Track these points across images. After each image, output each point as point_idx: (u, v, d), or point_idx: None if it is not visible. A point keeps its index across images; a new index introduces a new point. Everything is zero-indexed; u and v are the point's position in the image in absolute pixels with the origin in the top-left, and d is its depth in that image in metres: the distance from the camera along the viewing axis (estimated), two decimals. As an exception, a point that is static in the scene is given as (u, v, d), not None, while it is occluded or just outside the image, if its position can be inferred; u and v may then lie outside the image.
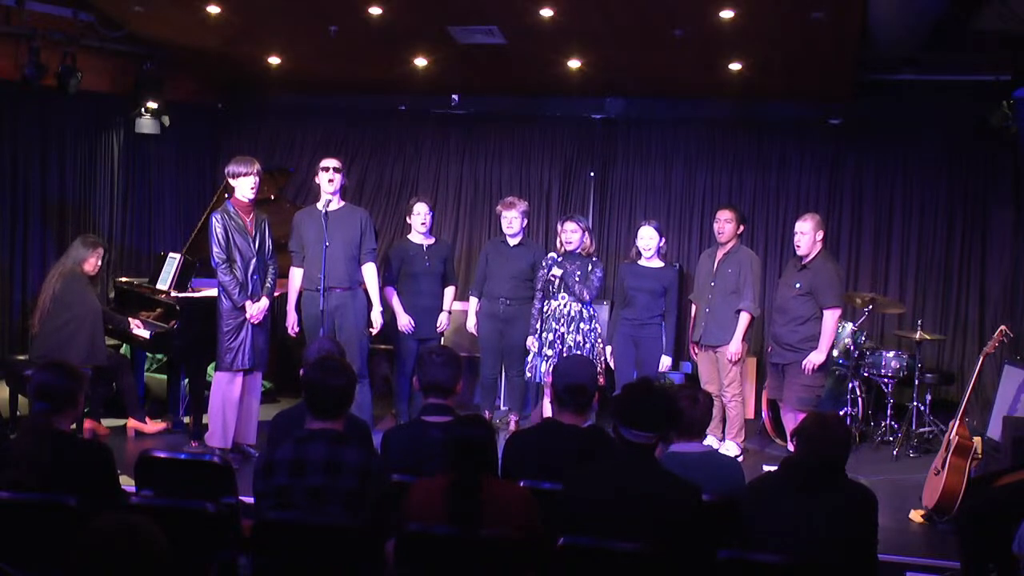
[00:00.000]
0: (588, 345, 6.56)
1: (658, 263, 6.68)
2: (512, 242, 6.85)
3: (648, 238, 6.63)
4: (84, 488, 3.35)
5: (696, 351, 6.81)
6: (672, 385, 7.34)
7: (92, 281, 6.47)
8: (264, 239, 6.05)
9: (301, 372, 4.28)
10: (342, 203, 6.44)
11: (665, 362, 6.65)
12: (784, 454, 6.30)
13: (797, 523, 3.24)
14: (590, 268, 6.58)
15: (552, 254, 6.68)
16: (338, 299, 6.30)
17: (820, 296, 6.24)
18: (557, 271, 6.51)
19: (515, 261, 6.81)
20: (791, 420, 6.34)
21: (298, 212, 6.68)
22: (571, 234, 6.57)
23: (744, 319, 6.50)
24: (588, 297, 6.56)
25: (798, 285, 6.30)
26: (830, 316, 6.23)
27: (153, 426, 6.71)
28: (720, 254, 6.68)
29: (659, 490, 3.25)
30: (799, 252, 6.32)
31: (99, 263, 6.49)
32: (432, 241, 6.92)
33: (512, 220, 6.81)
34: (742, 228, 6.72)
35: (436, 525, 3.15)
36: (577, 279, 6.51)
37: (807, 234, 6.27)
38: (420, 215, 6.80)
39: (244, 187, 5.95)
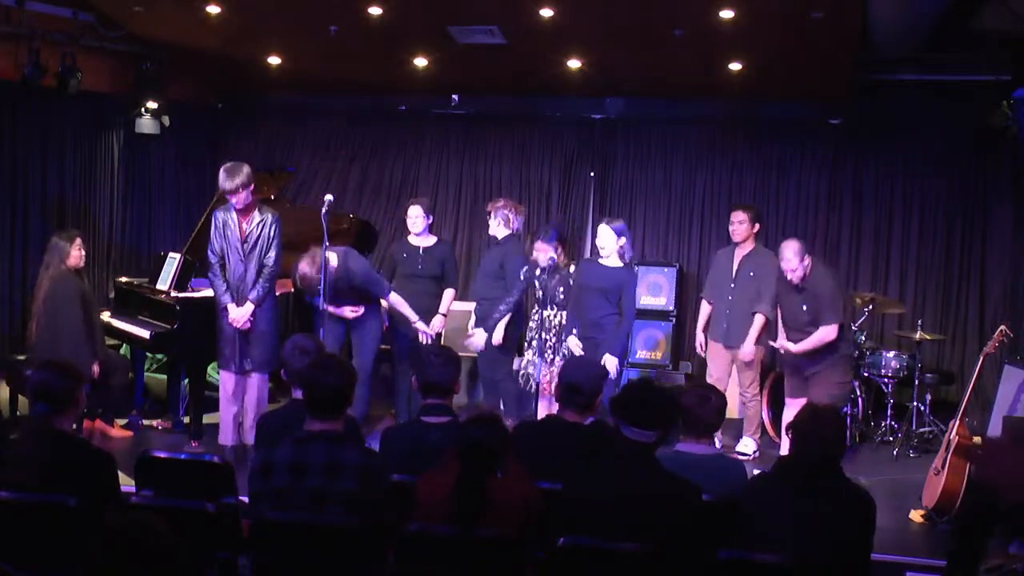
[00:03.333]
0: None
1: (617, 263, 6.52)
2: (495, 241, 6.87)
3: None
4: (84, 488, 3.35)
5: (704, 348, 6.83)
6: (683, 384, 7.32)
7: (79, 273, 6.43)
8: (264, 240, 6.00)
9: (282, 372, 4.33)
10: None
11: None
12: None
13: (795, 523, 3.21)
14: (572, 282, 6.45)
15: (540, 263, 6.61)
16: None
17: (822, 316, 6.04)
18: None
19: (488, 260, 6.83)
20: None
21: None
22: (539, 254, 6.37)
23: (759, 321, 6.50)
24: None
25: (804, 307, 6.12)
26: (826, 328, 6.01)
27: (119, 432, 6.65)
28: (739, 255, 6.66)
29: (659, 490, 3.24)
30: (789, 277, 6.04)
31: (82, 252, 6.39)
32: (430, 243, 6.88)
33: (491, 220, 6.79)
34: (757, 227, 6.68)
35: (435, 525, 3.15)
36: (561, 293, 6.45)
37: (790, 259, 5.99)
38: (411, 218, 6.78)
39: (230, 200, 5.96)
